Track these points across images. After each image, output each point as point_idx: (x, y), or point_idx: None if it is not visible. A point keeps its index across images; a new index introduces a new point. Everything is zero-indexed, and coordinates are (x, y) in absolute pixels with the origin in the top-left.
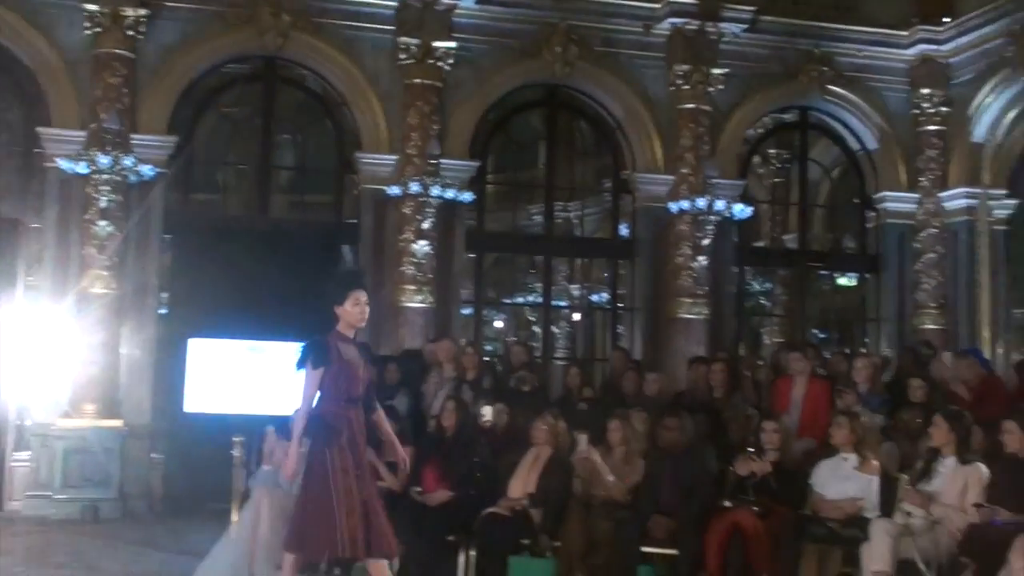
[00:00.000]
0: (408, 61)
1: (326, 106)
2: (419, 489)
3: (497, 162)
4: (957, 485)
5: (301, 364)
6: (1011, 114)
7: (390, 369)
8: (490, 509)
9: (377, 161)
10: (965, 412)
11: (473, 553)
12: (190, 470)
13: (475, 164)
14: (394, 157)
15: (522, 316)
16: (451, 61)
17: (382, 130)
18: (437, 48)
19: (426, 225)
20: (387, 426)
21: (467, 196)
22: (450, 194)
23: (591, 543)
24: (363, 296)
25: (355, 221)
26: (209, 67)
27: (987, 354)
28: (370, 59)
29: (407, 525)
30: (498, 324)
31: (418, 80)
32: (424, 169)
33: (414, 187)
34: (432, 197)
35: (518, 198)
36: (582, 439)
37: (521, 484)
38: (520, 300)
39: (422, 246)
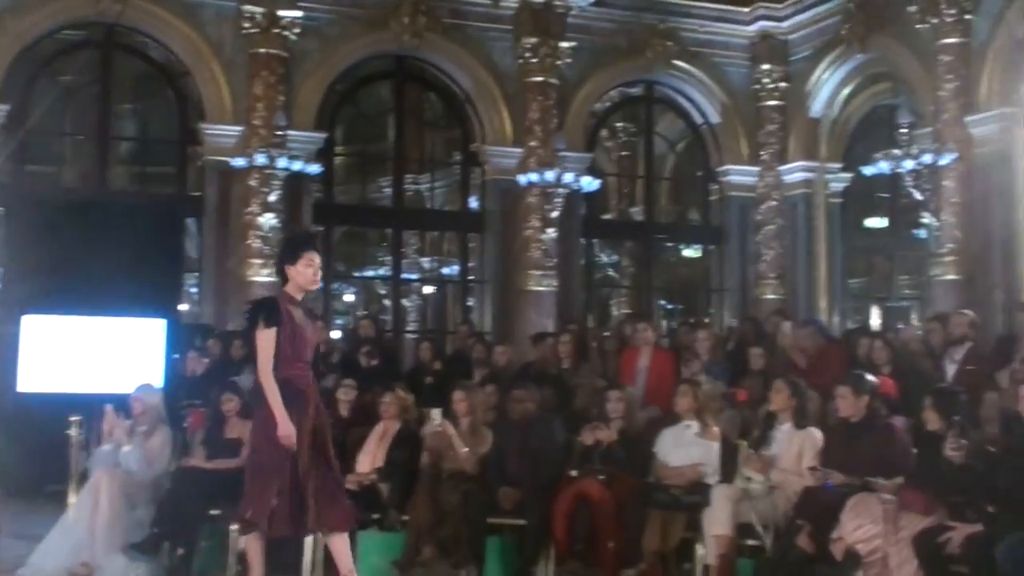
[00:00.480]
0: (253, 30)
1: (168, 75)
2: None
3: (345, 134)
4: (793, 450)
5: (252, 323)
6: (846, 90)
7: (236, 345)
8: None
9: (221, 132)
10: (799, 380)
11: None
12: (26, 451)
13: (323, 136)
14: (239, 128)
15: (373, 289)
16: (297, 31)
17: (226, 101)
18: (283, 17)
19: (273, 198)
20: None
21: (315, 168)
22: (297, 166)
23: (439, 516)
24: (317, 259)
25: (199, 194)
26: (44, 33)
27: (825, 322)
28: (213, 27)
29: None
30: (348, 298)
31: (263, 50)
32: (270, 141)
33: (260, 159)
34: (279, 169)
35: (367, 170)
36: (436, 412)
37: (369, 459)
38: (370, 273)
39: (269, 219)
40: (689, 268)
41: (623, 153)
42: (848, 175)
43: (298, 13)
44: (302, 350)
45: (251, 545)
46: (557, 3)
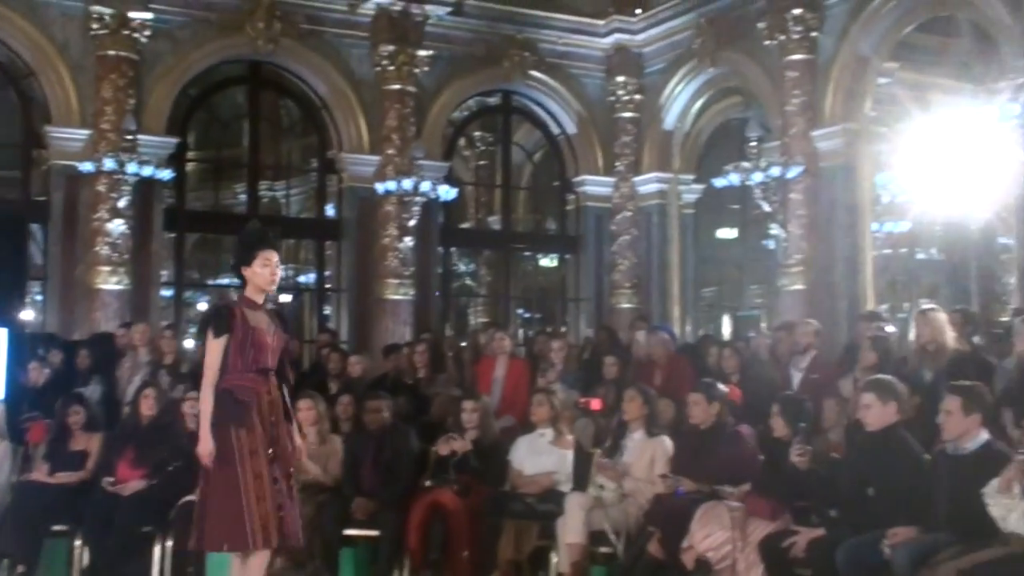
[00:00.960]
0: (101, 32)
1: (10, 76)
2: (111, 479)
3: (199, 139)
4: (645, 458)
5: (200, 333)
6: (698, 103)
7: (81, 355)
8: (188, 498)
9: (68, 136)
10: (650, 388)
11: (170, 544)
12: None
13: (174, 141)
14: (87, 132)
15: (228, 298)
16: (148, 33)
17: (73, 103)
18: (133, 19)
19: (122, 204)
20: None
21: (166, 174)
22: (147, 171)
23: None
24: (274, 256)
25: (44, 199)
26: None
27: (677, 331)
28: (59, 27)
29: (98, 517)
30: (202, 306)
31: (112, 52)
32: (119, 145)
33: (108, 164)
34: (128, 174)
35: (221, 177)
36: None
37: None
38: (224, 282)
39: (117, 225)
40: (546, 277)
41: (481, 162)
42: (700, 186)
43: (149, 15)
44: (256, 358)
45: (253, 567)
46: (415, 11)
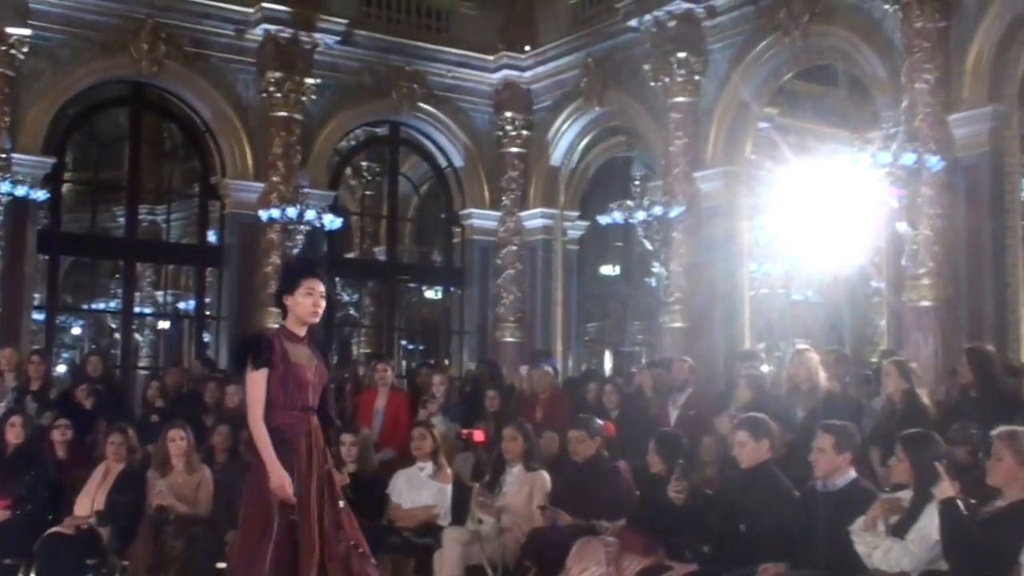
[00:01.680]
0: None
1: None
2: None
3: (76, 160)
4: (523, 492)
5: (239, 364)
6: (584, 141)
7: None
8: (54, 529)
9: None
10: (528, 424)
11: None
12: None
13: (51, 161)
14: None
15: (104, 323)
16: (25, 50)
17: None
18: (10, 35)
19: None
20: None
21: (41, 194)
22: (21, 191)
23: (162, 561)
24: (318, 287)
25: None
26: None
27: (560, 365)
28: None
29: None
30: (76, 331)
31: None
32: None
33: None
34: (0, 194)
35: (99, 199)
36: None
37: (88, 501)
38: (100, 306)
39: None
40: (431, 309)
41: (367, 192)
42: (585, 223)
43: (27, 31)
44: (298, 395)
45: None
46: (303, 39)
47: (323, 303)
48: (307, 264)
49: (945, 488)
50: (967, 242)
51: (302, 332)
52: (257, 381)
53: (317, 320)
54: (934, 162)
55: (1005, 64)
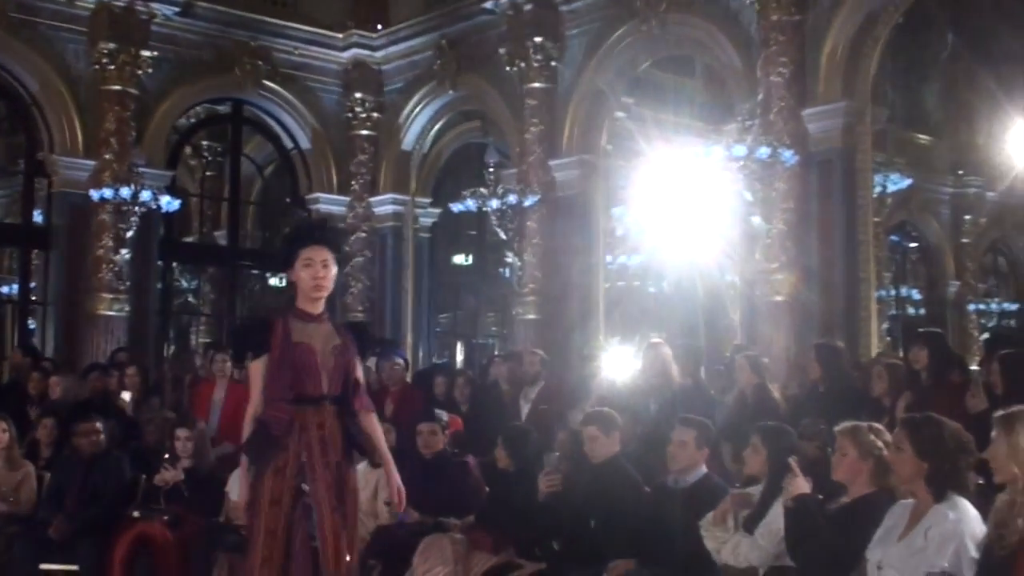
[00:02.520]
0: None
1: None
2: None
3: None
4: (368, 488)
5: (239, 355)
6: (438, 125)
7: None
8: None
9: None
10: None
11: None
12: None
13: None
14: None
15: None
16: None
17: None
18: None
19: None
20: (380, 439)
21: None
22: None
23: None
24: (319, 254)
25: None
26: None
27: (411, 357)
28: None
29: None
30: None
31: None
32: None
33: None
34: None
35: None
36: None
37: None
38: None
39: None
40: (275, 297)
41: (208, 173)
42: (437, 210)
43: None
44: (299, 381)
45: None
46: (139, 8)
47: (328, 271)
48: (303, 231)
49: (799, 484)
50: (819, 237)
51: (316, 309)
52: (254, 372)
53: (323, 294)
54: (788, 156)
55: (859, 60)
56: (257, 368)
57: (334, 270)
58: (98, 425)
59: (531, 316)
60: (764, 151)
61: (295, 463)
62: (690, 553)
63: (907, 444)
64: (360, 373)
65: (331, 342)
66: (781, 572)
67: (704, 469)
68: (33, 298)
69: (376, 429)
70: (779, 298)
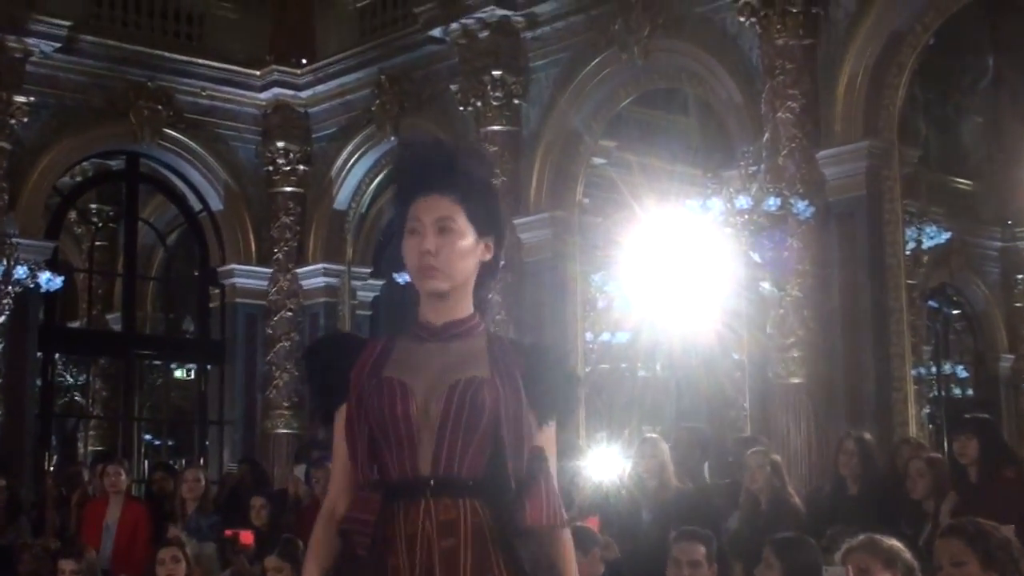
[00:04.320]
0: None
1: None
2: None
3: None
4: None
5: (318, 405)
6: (377, 179)
7: None
8: None
9: None
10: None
11: None
12: None
13: None
14: None
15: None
16: None
17: None
18: None
19: None
20: (570, 560)
21: None
22: None
23: None
24: (433, 209)
25: None
26: None
27: None
28: None
29: None
30: None
31: None
32: None
33: None
34: None
35: None
36: None
37: None
38: None
39: None
40: (181, 393)
41: (98, 243)
42: (379, 282)
43: None
44: (380, 449)
45: None
46: (11, 44)
47: (448, 240)
48: (403, 167)
49: None
50: (843, 306)
51: (437, 315)
52: (336, 432)
53: (436, 283)
54: (802, 208)
55: (882, 90)
56: (340, 426)
57: (466, 239)
58: None
59: None
60: (773, 202)
61: None
62: None
63: (970, 556)
64: (545, 443)
65: (455, 374)
66: None
67: None
68: None
69: (563, 551)
70: (796, 380)
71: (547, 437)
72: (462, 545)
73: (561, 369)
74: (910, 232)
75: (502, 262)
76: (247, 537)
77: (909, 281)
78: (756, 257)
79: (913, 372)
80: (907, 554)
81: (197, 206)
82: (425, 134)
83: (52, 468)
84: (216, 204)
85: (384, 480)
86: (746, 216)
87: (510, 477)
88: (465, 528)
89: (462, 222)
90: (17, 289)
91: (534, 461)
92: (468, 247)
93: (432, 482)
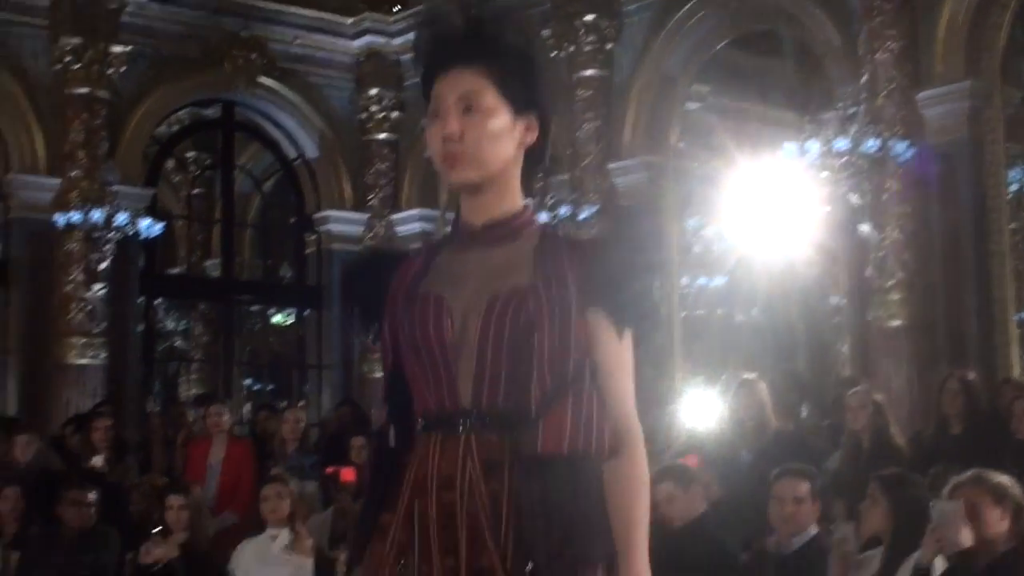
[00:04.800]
0: None
1: None
2: None
3: None
4: None
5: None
6: None
7: None
8: None
9: None
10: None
11: None
12: None
13: None
14: None
15: None
16: None
17: None
18: None
19: None
20: (634, 524)
21: None
22: None
23: None
24: (455, 84)
25: None
26: None
27: None
28: None
29: None
30: None
31: None
32: None
33: None
34: None
35: None
36: None
37: None
38: None
39: None
40: (280, 338)
41: (196, 191)
42: None
43: None
44: (416, 377)
45: None
46: None
47: (477, 120)
48: (429, 34)
49: (964, 536)
50: (944, 248)
51: (476, 213)
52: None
53: (463, 174)
54: (902, 149)
55: (985, 30)
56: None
57: (498, 118)
58: (91, 495)
59: None
60: (872, 144)
61: (394, 556)
62: None
63: None
64: (605, 357)
65: (496, 286)
66: None
67: (815, 529)
68: None
69: (636, 500)
70: (897, 323)
71: (616, 349)
72: (505, 491)
73: (630, 265)
74: (1013, 174)
75: (548, 152)
76: (348, 474)
77: (1011, 225)
78: (855, 200)
79: (1016, 316)
80: (1016, 490)
81: (292, 153)
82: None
83: (157, 409)
84: (311, 151)
85: (423, 411)
86: (845, 158)
87: (539, 401)
88: (510, 469)
89: (491, 98)
90: (118, 236)
91: (574, 373)
92: (501, 128)
93: (473, 414)
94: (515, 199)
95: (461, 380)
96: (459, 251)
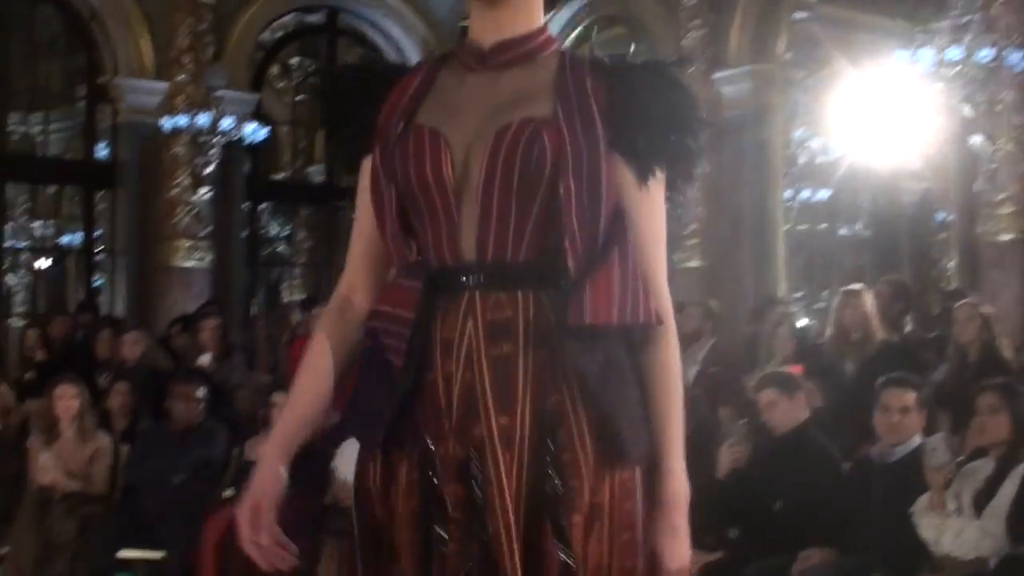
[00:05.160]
0: None
1: None
2: None
3: None
4: None
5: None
6: (575, 32)
7: None
8: None
9: None
10: None
11: None
12: None
13: None
14: None
15: None
16: None
17: None
18: None
19: None
20: (669, 404)
21: None
22: None
23: (48, 549)
24: None
25: None
26: None
27: None
28: None
29: None
30: None
31: None
32: None
33: None
34: None
35: None
36: None
37: None
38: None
39: None
40: None
41: (299, 97)
42: None
43: None
44: (415, 226)
45: None
46: None
47: None
48: None
49: None
50: None
51: (490, 32)
52: (357, 200)
53: None
54: (1018, 59)
55: None
56: (364, 187)
57: None
58: (199, 391)
59: (694, 263)
60: (986, 53)
61: (414, 436)
62: (899, 542)
63: None
64: (638, 206)
65: (506, 116)
66: (1020, 564)
67: (919, 439)
68: (98, 248)
69: (675, 394)
70: (1008, 236)
71: (643, 198)
72: (521, 353)
73: (667, 94)
74: None
75: None
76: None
77: None
78: (967, 111)
79: None
80: None
81: (396, 60)
82: None
83: (262, 310)
84: (414, 58)
85: (426, 262)
86: (957, 68)
87: (566, 254)
88: (524, 330)
89: None
90: (224, 140)
91: (611, 227)
92: None
93: (477, 269)
94: (535, 15)
95: (463, 229)
96: (462, 77)
